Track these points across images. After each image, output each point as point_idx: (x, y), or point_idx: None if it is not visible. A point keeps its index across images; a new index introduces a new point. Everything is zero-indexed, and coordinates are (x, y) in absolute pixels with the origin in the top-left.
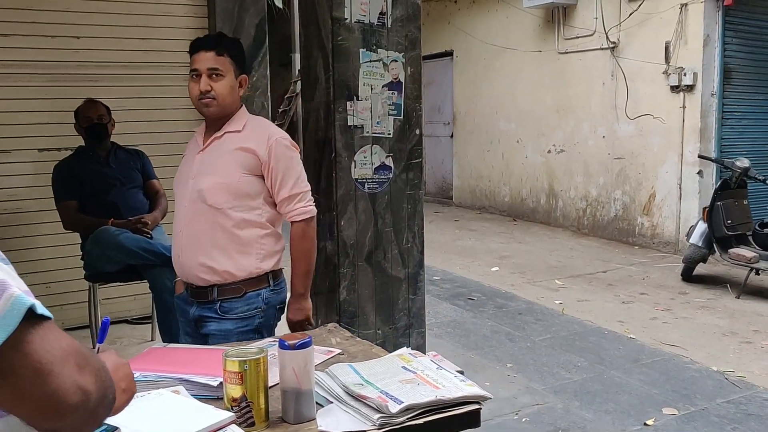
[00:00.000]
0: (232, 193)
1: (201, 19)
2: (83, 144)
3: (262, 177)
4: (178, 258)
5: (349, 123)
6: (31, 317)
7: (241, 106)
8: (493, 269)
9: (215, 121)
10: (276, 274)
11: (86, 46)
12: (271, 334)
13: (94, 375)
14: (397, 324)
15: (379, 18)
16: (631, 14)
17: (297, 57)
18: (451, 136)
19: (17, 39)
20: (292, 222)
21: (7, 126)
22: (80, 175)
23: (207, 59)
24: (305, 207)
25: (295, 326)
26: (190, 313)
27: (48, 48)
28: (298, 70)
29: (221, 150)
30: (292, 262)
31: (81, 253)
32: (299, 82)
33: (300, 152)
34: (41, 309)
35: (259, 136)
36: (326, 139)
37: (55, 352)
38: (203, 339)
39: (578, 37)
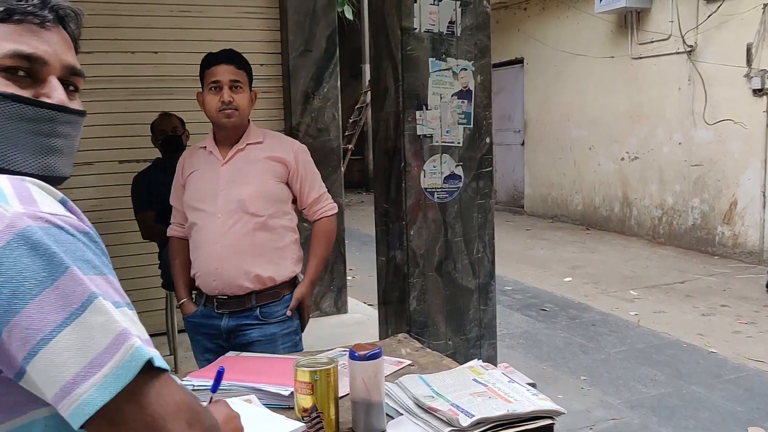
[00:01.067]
0: (270, 200)
1: (273, 32)
2: (161, 156)
3: (287, 184)
4: (215, 269)
5: (419, 132)
6: (149, 369)
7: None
8: (566, 279)
9: (232, 134)
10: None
11: (163, 61)
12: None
13: None
14: (467, 335)
15: (448, 27)
16: (709, 16)
17: (367, 68)
18: (522, 144)
19: (100, 56)
20: (322, 218)
21: (91, 139)
22: (157, 186)
23: (228, 72)
24: (331, 203)
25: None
26: (221, 327)
27: (128, 63)
28: (368, 81)
29: (248, 160)
30: (317, 251)
31: (158, 261)
32: (369, 93)
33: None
34: (159, 361)
35: (284, 146)
36: (395, 148)
37: (168, 407)
38: (240, 349)
39: (653, 42)
